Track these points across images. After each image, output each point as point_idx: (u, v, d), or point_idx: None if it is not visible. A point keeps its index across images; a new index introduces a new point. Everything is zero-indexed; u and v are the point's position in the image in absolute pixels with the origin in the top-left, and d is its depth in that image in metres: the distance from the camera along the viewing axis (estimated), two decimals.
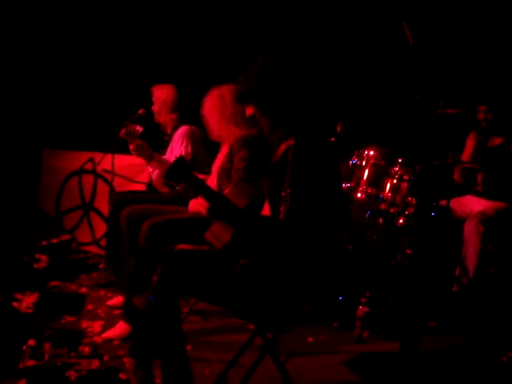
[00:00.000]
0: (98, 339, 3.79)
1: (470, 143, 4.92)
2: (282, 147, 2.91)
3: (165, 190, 4.45)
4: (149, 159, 4.41)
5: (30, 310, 3.86)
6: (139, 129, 4.47)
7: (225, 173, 4.04)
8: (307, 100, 2.89)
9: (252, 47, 5.88)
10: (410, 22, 3.03)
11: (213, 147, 4.47)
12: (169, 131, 4.89)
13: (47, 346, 3.18)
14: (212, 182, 4.14)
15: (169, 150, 4.73)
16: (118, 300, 4.43)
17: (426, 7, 5.20)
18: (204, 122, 4.26)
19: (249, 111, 2.93)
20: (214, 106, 4.14)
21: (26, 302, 3.99)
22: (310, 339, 3.99)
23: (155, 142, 4.81)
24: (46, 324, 3.98)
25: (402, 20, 3.03)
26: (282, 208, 2.75)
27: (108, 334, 3.87)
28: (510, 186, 4.61)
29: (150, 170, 4.47)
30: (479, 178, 4.65)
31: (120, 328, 3.88)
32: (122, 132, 4.49)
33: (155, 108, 4.88)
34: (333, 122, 4.74)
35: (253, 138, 3.93)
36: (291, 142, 2.83)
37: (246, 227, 2.78)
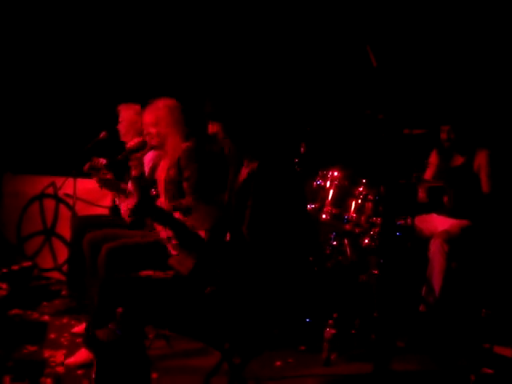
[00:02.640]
0: (60, 369, 3.70)
1: (433, 162, 4.95)
2: (245, 172, 2.91)
3: (130, 220, 4.40)
4: (116, 192, 4.38)
5: None
6: (103, 161, 4.42)
7: (173, 184, 4.04)
8: (270, 126, 2.92)
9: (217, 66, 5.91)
10: (373, 45, 3.05)
11: None
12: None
13: (7, 379, 3.09)
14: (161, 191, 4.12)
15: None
16: (82, 327, 4.33)
17: (388, 30, 5.25)
18: (144, 132, 4.24)
19: (212, 129, 2.94)
20: (162, 116, 4.14)
21: None
22: (278, 363, 3.94)
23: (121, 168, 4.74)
24: (7, 355, 3.87)
25: (365, 42, 3.04)
26: (244, 231, 2.74)
27: (70, 361, 3.79)
28: (473, 204, 4.66)
29: (117, 202, 4.43)
30: (444, 196, 4.68)
31: (83, 354, 3.79)
32: (86, 167, 4.45)
33: (122, 128, 4.82)
34: (296, 143, 4.73)
35: (200, 150, 3.96)
36: (254, 166, 2.83)
37: (208, 254, 2.76)
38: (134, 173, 4.25)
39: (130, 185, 4.58)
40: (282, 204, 2.79)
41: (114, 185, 4.44)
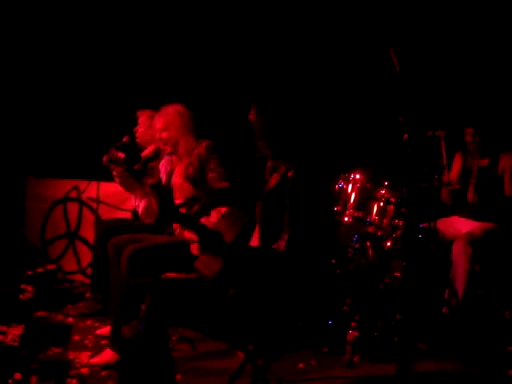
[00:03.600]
0: (85, 370, 3.73)
1: (457, 164, 4.93)
2: (276, 176, 2.94)
3: (150, 221, 4.43)
4: (132, 191, 4.41)
5: (15, 343, 3.81)
6: (121, 155, 4.44)
7: (190, 181, 4.12)
8: (305, 134, 2.95)
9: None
10: (397, 48, 3.06)
11: None
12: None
13: (34, 379, 3.13)
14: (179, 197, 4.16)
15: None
16: (106, 329, 4.37)
17: (413, 32, 5.25)
18: (155, 138, 4.29)
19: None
20: (171, 120, 4.23)
21: (12, 334, 3.94)
22: (301, 365, 3.95)
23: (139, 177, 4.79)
24: (33, 356, 3.91)
25: (389, 46, 3.05)
26: (282, 237, 2.76)
27: (95, 360, 3.83)
28: (496, 206, 4.63)
29: (135, 202, 4.46)
30: (469, 198, 4.64)
31: (107, 355, 3.83)
32: (104, 159, 4.47)
33: (139, 133, 4.87)
34: (323, 146, 4.75)
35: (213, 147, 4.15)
36: (286, 171, 2.86)
37: (235, 258, 2.78)
38: (150, 181, 4.30)
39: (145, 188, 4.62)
40: (317, 208, 2.82)
41: (131, 183, 4.47)
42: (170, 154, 4.32)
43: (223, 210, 3.81)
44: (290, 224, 2.74)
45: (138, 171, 4.42)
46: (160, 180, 4.44)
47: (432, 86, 5.10)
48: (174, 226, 4.22)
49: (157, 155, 4.48)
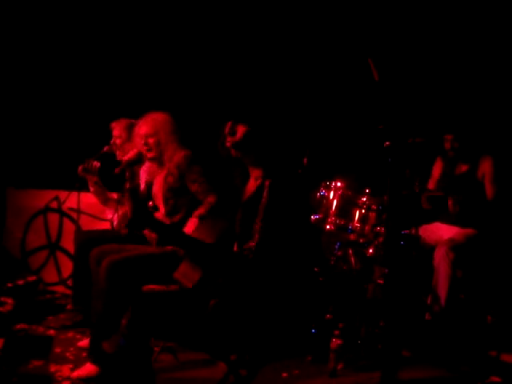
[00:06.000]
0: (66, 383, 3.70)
1: (437, 170, 4.97)
2: (252, 185, 2.94)
3: (125, 231, 4.41)
4: (105, 201, 4.40)
5: None
6: (96, 164, 4.43)
7: (173, 192, 4.14)
8: (280, 137, 2.96)
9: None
10: (375, 57, 3.07)
11: None
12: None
13: None
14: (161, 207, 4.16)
15: None
16: (87, 341, 4.32)
17: (390, 39, 5.28)
18: (138, 143, 4.27)
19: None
20: (161, 126, 4.23)
21: None
22: (284, 375, 3.93)
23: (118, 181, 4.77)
24: (13, 370, 3.86)
25: (367, 56, 3.06)
26: (251, 243, 2.75)
27: (76, 374, 3.80)
28: (477, 212, 4.65)
29: (109, 215, 4.44)
30: (449, 205, 4.66)
31: (88, 368, 3.80)
32: (80, 169, 4.45)
33: (117, 143, 4.84)
34: (301, 155, 4.75)
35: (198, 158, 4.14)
36: (264, 179, 2.87)
37: (215, 264, 2.77)
38: (127, 185, 4.28)
39: (115, 195, 4.60)
40: (293, 216, 2.83)
41: (104, 194, 4.47)
42: (152, 160, 4.29)
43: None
44: (261, 231, 2.74)
45: (116, 175, 4.39)
46: (138, 185, 4.41)
47: (410, 93, 5.12)
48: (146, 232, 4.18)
49: (139, 160, 4.46)
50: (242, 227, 2.97)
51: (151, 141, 4.22)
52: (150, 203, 4.22)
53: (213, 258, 2.79)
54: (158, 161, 4.27)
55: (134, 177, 4.53)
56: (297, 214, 2.84)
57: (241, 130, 2.91)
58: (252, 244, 2.77)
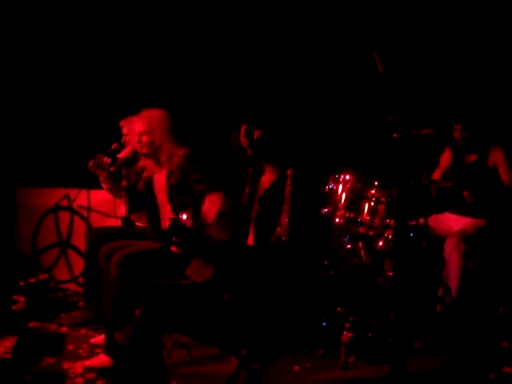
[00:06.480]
0: (79, 380, 3.71)
1: (445, 160, 4.94)
2: (267, 179, 2.95)
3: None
4: (118, 194, 4.41)
5: (8, 355, 3.78)
6: (107, 160, 4.43)
7: (178, 190, 4.14)
8: (297, 131, 2.97)
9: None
10: (380, 48, 3.06)
11: None
12: None
13: None
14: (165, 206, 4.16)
15: None
16: (100, 338, 4.34)
17: (397, 30, 5.27)
18: (132, 141, 4.27)
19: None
20: (156, 124, 4.20)
21: (4, 346, 3.91)
22: (296, 368, 3.94)
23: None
24: (26, 368, 3.89)
25: (372, 47, 3.05)
26: (274, 237, 2.76)
27: (89, 363, 3.84)
28: (488, 202, 4.63)
29: (123, 212, 4.45)
30: (465, 195, 4.63)
31: (101, 359, 3.84)
32: (90, 164, 4.46)
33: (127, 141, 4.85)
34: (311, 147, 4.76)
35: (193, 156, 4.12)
36: (284, 170, 2.87)
37: (229, 260, 2.78)
38: (124, 183, 4.28)
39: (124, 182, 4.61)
40: (315, 209, 2.85)
41: (116, 186, 4.48)
42: (146, 156, 4.28)
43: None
44: (292, 219, 2.74)
45: (113, 174, 4.40)
46: (136, 183, 4.43)
47: (418, 84, 5.11)
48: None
49: (134, 158, 4.46)
50: (260, 221, 2.96)
51: (145, 139, 4.19)
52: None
53: (227, 255, 2.79)
54: (154, 158, 4.25)
55: (130, 175, 4.56)
56: (320, 202, 2.85)
57: (257, 133, 2.90)
58: (280, 231, 2.77)
